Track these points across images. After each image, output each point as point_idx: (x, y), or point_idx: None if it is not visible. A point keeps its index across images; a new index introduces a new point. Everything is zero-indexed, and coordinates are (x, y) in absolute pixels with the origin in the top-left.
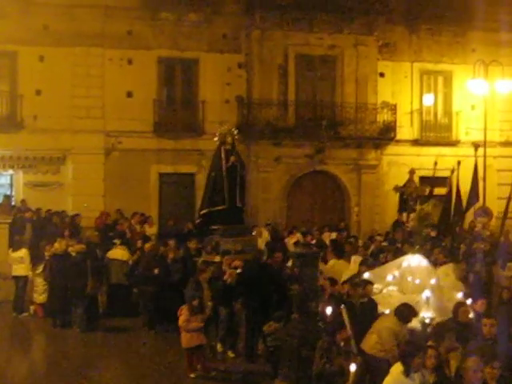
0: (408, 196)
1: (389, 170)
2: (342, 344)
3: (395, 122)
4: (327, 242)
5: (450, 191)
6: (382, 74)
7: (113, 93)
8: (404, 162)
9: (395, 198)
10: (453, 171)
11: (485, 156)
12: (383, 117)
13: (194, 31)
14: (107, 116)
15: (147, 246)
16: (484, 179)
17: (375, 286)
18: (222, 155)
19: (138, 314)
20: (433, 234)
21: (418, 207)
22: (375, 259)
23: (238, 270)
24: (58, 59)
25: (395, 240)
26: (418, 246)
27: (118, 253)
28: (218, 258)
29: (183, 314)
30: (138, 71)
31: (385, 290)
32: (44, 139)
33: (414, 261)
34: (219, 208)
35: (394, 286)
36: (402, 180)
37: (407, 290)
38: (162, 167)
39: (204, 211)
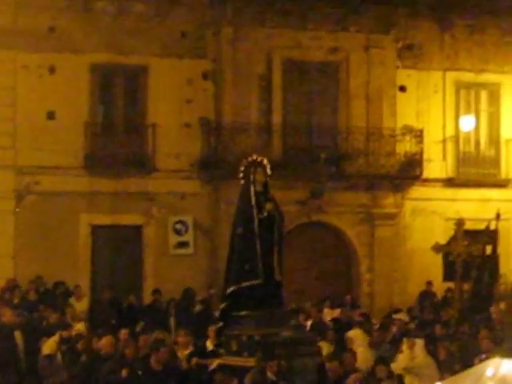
0: (456, 258)
1: (413, 220)
2: None
3: (422, 154)
4: (328, 323)
5: (495, 248)
6: (402, 88)
7: (28, 113)
8: (435, 209)
9: (424, 260)
10: (498, 216)
11: None
12: (405, 147)
13: (141, 28)
14: (20, 146)
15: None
16: None
17: None
18: (253, 201)
19: None
20: None
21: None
22: (395, 346)
23: None
24: None
25: (425, 321)
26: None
27: (49, 344)
28: (252, 362)
29: None
30: (63, 83)
31: None
32: None
33: (505, 368)
34: (251, 283)
35: None
36: (432, 234)
37: None
38: (95, 217)
39: (232, 289)
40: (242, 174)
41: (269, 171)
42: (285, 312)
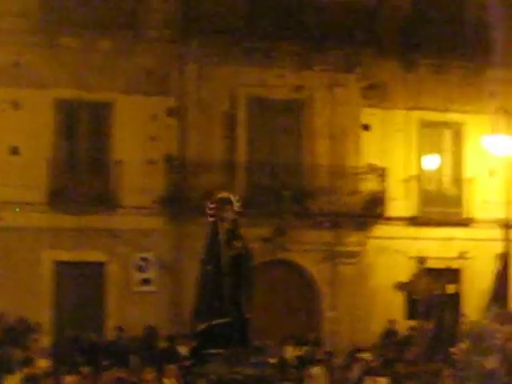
0: (419, 297)
1: (377, 258)
2: None
3: (385, 192)
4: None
5: (460, 287)
6: (366, 127)
7: None
8: (398, 247)
9: (387, 299)
10: (462, 255)
11: (508, 240)
12: (368, 185)
13: (106, 64)
14: None
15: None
16: (507, 271)
17: None
18: (222, 239)
19: None
20: (489, 365)
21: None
22: None
23: None
24: None
25: (388, 359)
26: None
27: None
28: None
29: None
30: (27, 119)
31: None
32: None
33: None
34: (220, 322)
35: None
36: (395, 273)
37: None
38: (59, 253)
39: (201, 327)
40: (210, 211)
41: (238, 208)
42: (253, 350)
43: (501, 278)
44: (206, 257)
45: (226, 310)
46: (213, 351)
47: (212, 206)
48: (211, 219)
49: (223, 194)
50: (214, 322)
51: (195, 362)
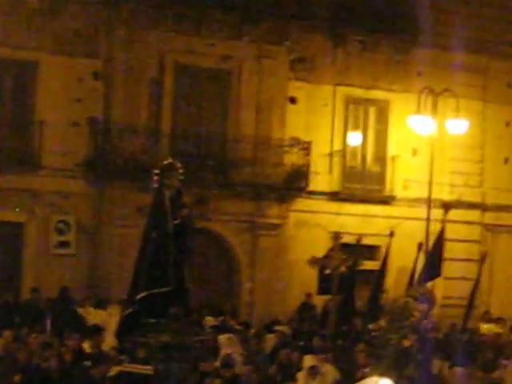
0: (333, 271)
1: (297, 232)
2: None
3: (308, 166)
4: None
5: (384, 264)
6: (293, 100)
7: None
8: (318, 222)
9: (304, 272)
10: (391, 234)
11: (428, 219)
12: (292, 158)
13: (34, 23)
14: None
15: None
16: (426, 251)
17: None
18: (167, 207)
19: None
20: (407, 343)
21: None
22: (274, 358)
23: None
24: None
25: (304, 332)
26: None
27: None
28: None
29: None
30: None
31: None
32: None
33: None
34: (161, 290)
35: None
36: (315, 247)
37: None
38: None
39: (142, 294)
40: (156, 177)
41: (181, 175)
42: (172, 318)
43: (434, 255)
44: (151, 225)
45: (167, 279)
46: (152, 320)
47: (157, 172)
48: (156, 186)
49: (168, 160)
50: (154, 291)
51: (130, 329)
